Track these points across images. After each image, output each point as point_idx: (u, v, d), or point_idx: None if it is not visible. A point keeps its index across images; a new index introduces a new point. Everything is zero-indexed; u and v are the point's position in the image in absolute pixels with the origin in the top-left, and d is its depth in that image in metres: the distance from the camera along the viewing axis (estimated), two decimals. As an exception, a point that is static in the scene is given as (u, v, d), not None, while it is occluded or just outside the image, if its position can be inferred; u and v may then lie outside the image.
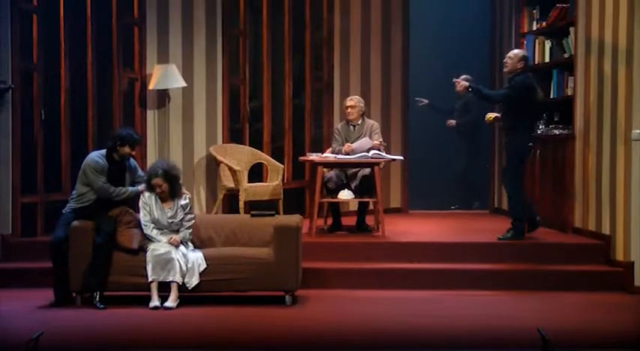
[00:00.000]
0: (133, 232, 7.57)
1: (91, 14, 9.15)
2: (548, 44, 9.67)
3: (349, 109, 9.33)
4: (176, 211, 7.65)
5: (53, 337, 6.21)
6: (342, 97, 10.66)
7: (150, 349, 6.31)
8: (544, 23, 9.77)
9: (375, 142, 9.14)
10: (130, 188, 7.73)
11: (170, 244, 7.45)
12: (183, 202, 7.71)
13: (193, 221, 7.75)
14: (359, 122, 9.34)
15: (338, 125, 9.59)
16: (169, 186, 7.63)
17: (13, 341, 6.12)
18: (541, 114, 9.40)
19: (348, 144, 9.15)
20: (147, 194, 7.66)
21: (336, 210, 9.39)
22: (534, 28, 10.02)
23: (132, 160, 7.94)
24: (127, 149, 7.72)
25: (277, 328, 6.82)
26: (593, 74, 8.74)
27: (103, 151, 7.75)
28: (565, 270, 8.28)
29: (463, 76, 12.12)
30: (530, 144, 8.80)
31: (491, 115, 9.07)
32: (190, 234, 7.70)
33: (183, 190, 7.79)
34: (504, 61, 8.84)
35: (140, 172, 7.95)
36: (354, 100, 9.38)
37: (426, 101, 12.27)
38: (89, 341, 6.47)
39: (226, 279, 7.48)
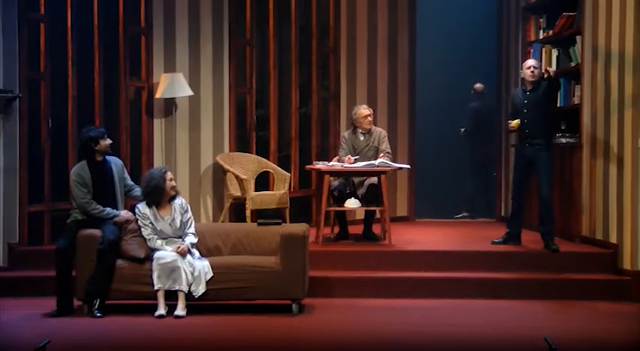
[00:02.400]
0: (139, 240, 7.57)
1: (98, 23, 9.18)
2: (554, 53, 9.66)
3: (369, 118, 9.32)
4: (174, 214, 7.65)
5: (60, 345, 6.21)
6: (348, 106, 10.67)
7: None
8: (551, 32, 9.77)
9: (380, 158, 9.13)
10: (109, 210, 7.65)
11: (178, 253, 7.44)
12: (178, 202, 7.72)
13: (192, 217, 7.75)
14: (368, 130, 9.36)
15: (345, 133, 9.58)
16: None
17: (20, 350, 6.12)
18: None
19: (349, 157, 9.13)
20: (141, 206, 7.65)
21: (342, 219, 9.38)
22: (541, 36, 10.01)
23: (116, 158, 7.96)
24: (104, 143, 7.73)
25: (284, 336, 6.81)
26: (600, 82, 8.73)
27: (83, 163, 7.76)
28: (572, 279, 8.27)
29: (478, 85, 12.21)
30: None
31: (518, 122, 8.77)
32: (195, 236, 7.70)
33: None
34: (531, 70, 8.71)
35: (127, 174, 7.95)
36: (369, 109, 9.39)
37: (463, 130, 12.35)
38: (95, 350, 6.47)
39: (233, 287, 7.48)
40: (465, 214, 12.08)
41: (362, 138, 9.36)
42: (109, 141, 7.79)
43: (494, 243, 8.95)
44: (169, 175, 7.69)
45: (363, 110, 9.38)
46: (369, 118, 9.35)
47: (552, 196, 8.73)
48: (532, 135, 8.69)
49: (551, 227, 8.68)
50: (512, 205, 9.04)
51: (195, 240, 7.66)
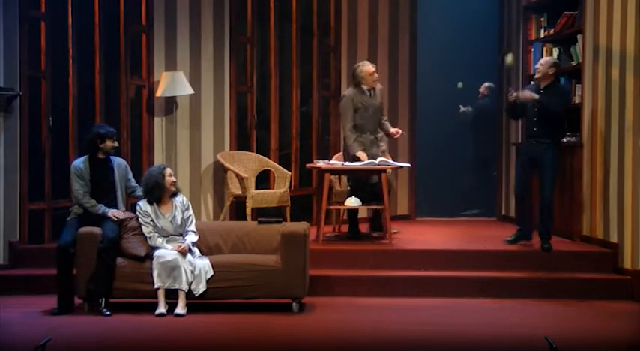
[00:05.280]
0: (140, 238, 7.57)
1: (99, 21, 9.18)
2: (555, 52, 9.66)
3: (375, 75, 9.11)
4: (175, 212, 7.64)
5: (61, 343, 6.21)
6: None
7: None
8: (552, 31, 9.76)
9: (393, 130, 9.20)
10: (103, 207, 7.63)
11: (179, 252, 7.43)
12: (179, 199, 7.71)
13: (192, 215, 7.74)
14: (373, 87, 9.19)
15: (347, 92, 9.25)
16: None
17: (21, 348, 6.12)
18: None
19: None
20: (142, 203, 7.65)
21: (354, 217, 9.32)
22: (542, 35, 10.01)
23: (121, 160, 7.97)
24: (109, 143, 7.74)
25: (284, 335, 6.82)
26: (601, 82, 8.73)
27: (85, 157, 7.78)
28: (573, 278, 8.27)
29: (487, 84, 12.23)
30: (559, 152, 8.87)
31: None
32: (196, 234, 7.69)
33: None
34: (536, 67, 8.82)
35: (131, 176, 7.95)
36: (375, 65, 9.18)
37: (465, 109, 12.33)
38: (96, 348, 6.47)
39: (233, 286, 7.48)
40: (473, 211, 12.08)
41: (370, 95, 9.11)
42: (115, 144, 7.80)
43: (507, 241, 8.89)
44: (169, 171, 7.69)
45: (370, 67, 9.12)
46: (376, 75, 9.14)
47: (553, 197, 8.73)
48: (540, 134, 8.65)
49: (548, 227, 8.68)
50: (518, 203, 9.00)
51: (195, 238, 7.66)
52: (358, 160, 8.92)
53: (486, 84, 12.22)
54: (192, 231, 7.67)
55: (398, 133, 9.33)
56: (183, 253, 7.43)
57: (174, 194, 7.72)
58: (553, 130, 8.70)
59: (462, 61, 12.68)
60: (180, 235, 7.64)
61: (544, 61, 8.81)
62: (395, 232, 9.33)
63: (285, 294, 7.54)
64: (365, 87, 9.12)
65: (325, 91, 10.84)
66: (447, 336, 6.75)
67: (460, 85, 12.22)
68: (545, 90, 8.67)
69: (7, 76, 8.59)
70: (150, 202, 7.63)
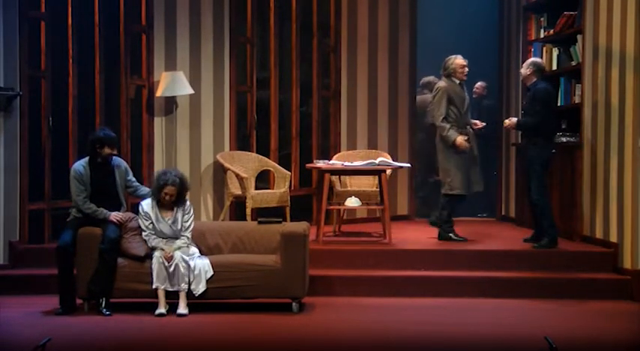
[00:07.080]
0: (140, 238, 7.57)
1: (99, 21, 9.18)
2: (555, 52, 9.66)
3: (466, 68, 9.11)
4: (177, 215, 7.61)
5: (61, 343, 6.22)
6: (349, 105, 10.74)
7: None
8: (551, 31, 9.76)
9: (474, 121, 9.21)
10: (104, 211, 7.60)
11: (165, 258, 7.40)
12: (181, 205, 7.69)
13: (192, 220, 7.68)
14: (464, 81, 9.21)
15: (441, 83, 9.17)
16: (177, 195, 7.62)
17: (21, 348, 6.12)
18: (559, 119, 9.36)
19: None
20: (145, 205, 7.64)
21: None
22: (542, 35, 10.01)
23: (121, 160, 7.94)
24: (107, 150, 7.69)
25: (284, 335, 6.82)
26: (601, 82, 8.73)
27: (85, 159, 7.75)
28: (573, 278, 8.27)
29: (482, 83, 12.20)
30: (553, 151, 8.87)
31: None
32: (188, 239, 7.64)
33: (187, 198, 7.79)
34: (520, 72, 9.12)
35: (131, 176, 7.93)
36: (466, 60, 9.17)
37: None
38: (96, 348, 6.47)
39: (233, 286, 7.48)
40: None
41: (463, 89, 9.15)
42: (114, 151, 7.76)
43: (525, 241, 8.96)
44: (168, 189, 7.53)
45: (462, 60, 9.12)
46: (466, 69, 9.13)
47: (541, 196, 8.71)
48: (527, 133, 8.90)
49: (539, 226, 8.71)
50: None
51: (183, 244, 7.54)
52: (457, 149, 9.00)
53: (483, 84, 12.21)
54: (187, 236, 7.62)
55: (478, 125, 9.31)
56: (166, 260, 7.39)
57: (178, 203, 7.64)
58: (538, 128, 8.72)
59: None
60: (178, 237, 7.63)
61: (524, 64, 9.00)
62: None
63: (285, 294, 7.54)
64: (456, 80, 9.14)
65: (325, 91, 10.84)
66: (446, 336, 6.75)
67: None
68: (528, 91, 8.94)
69: (7, 76, 8.59)
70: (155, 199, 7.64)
